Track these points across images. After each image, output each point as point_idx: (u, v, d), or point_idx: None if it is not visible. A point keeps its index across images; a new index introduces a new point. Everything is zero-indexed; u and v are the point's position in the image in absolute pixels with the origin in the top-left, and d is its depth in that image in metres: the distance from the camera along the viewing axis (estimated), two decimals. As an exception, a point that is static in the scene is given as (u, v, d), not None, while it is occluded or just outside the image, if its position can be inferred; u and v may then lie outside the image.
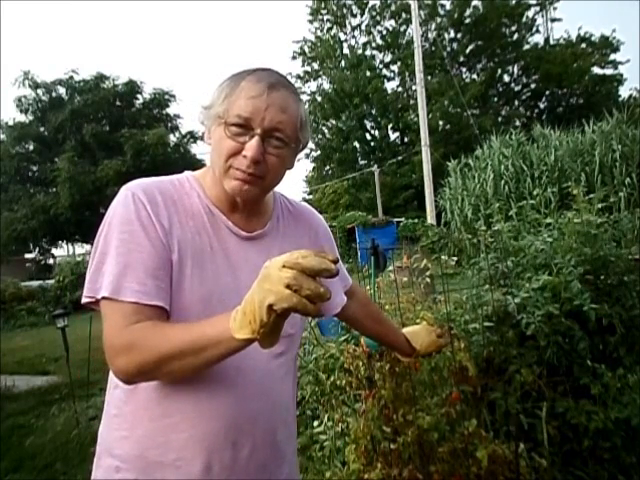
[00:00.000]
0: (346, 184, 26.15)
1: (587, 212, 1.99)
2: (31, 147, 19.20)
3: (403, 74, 29.48)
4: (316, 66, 31.08)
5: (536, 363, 1.68)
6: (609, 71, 27.21)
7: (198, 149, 21.01)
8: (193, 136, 20.64)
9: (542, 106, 29.23)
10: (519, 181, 11.34)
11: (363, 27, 30.21)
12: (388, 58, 30.34)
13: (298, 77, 30.58)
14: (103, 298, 0.82)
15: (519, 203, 3.22)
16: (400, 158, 25.17)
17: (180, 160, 18.36)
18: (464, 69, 29.62)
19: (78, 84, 18.93)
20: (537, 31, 28.08)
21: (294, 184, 32.16)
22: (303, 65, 31.29)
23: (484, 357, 1.71)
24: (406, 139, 28.96)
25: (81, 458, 3.15)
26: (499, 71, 28.58)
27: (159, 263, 0.84)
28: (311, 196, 29.15)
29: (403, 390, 1.56)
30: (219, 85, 0.91)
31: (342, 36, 30.79)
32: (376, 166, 23.92)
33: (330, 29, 30.66)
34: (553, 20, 27.97)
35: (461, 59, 29.11)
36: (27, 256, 22.59)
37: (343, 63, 30.07)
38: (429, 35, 27.93)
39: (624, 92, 27.85)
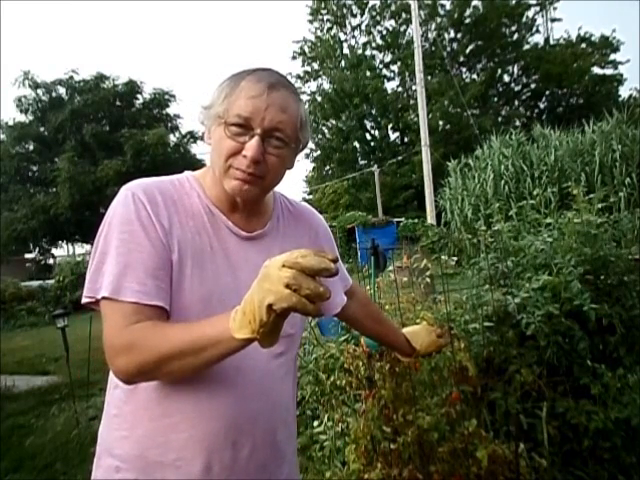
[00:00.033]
0: (346, 184, 26.16)
1: (587, 212, 1.99)
2: (31, 147, 19.21)
3: (403, 74, 29.48)
4: (316, 66, 31.10)
5: (536, 363, 1.68)
6: (609, 71, 27.26)
7: (198, 149, 21.05)
8: (193, 136, 20.65)
9: (542, 106, 29.24)
10: (519, 181, 11.34)
11: (363, 27, 30.26)
12: (388, 58, 30.37)
13: (298, 77, 30.60)
14: (103, 298, 0.82)
15: (519, 203, 3.22)
16: (400, 158, 25.17)
17: (180, 160, 18.36)
18: (464, 69, 29.64)
19: (78, 84, 18.94)
20: (537, 31, 28.14)
21: (294, 184, 32.21)
22: (303, 65, 31.35)
23: (484, 357, 1.71)
24: (406, 139, 28.97)
25: (81, 458, 3.15)
26: (499, 71, 28.58)
27: (159, 263, 0.84)
28: (311, 196, 29.16)
29: (403, 390, 1.56)
30: (219, 85, 0.91)
31: (342, 36, 30.86)
32: (376, 166, 23.92)
33: (330, 29, 30.70)
34: (553, 20, 28.02)
35: (461, 59, 29.11)
36: (27, 256, 22.59)
37: (343, 63, 30.07)
38: (429, 35, 27.93)
39: (624, 92, 27.91)
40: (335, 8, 29.80)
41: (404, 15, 27.59)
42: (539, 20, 28.18)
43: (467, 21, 27.55)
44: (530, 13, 27.34)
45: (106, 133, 18.66)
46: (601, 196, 2.28)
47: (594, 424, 1.55)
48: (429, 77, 25.48)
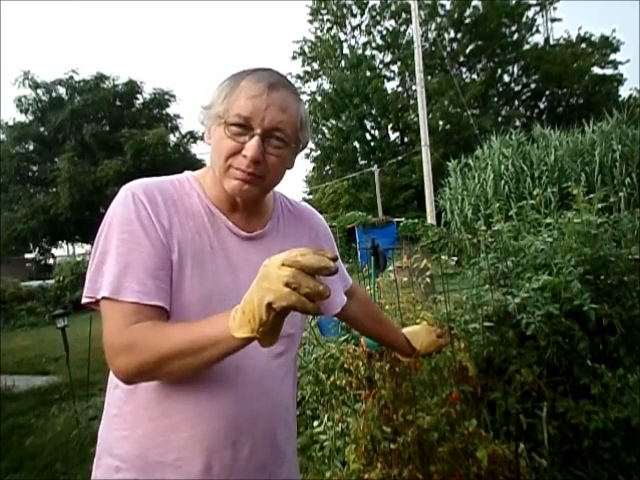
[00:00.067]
0: (346, 184, 26.16)
1: (587, 212, 1.99)
2: (31, 147, 19.20)
3: (403, 74, 29.49)
4: (316, 66, 31.11)
5: (536, 363, 1.68)
6: (609, 71, 27.26)
7: (198, 149, 21.05)
8: (193, 136, 20.65)
9: (542, 106, 29.24)
10: (519, 181, 11.33)
11: (363, 27, 30.26)
12: (388, 58, 30.38)
13: (298, 77, 30.61)
14: (103, 298, 0.82)
15: (519, 203, 3.22)
16: (400, 158, 25.17)
17: (180, 160, 18.36)
18: (464, 69, 29.64)
19: (78, 84, 18.93)
20: (537, 31, 28.14)
21: (294, 184, 32.19)
22: (303, 65, 31.36)
23: (484, 357, 1.71)
24: (406, 139, 28.97)
25: (81, 458, 3.15)
26: (499, 71, 28.58)
27: (159, 263, 0.84)
28: (311, 196, 29.16)
29: (403, 390, 1.56)
30: (219, 85, 0.91)
31: (342, 36, 30.86)
32: (376, 166, 23.92)
33: (330, 29, 30.70)
34: (553, 20, 28.01)
35: (461, 59, 29.11)
36: (27, 256, 22.59)
37: (343, 63, 30.07)
38: (429, 35, 27.93)
39: (624, 92, 27.91)
40: (335, 8, 29.80)
41: (404, 15, 27.60)
42: (539, 20, 28.23)
43: (467, 21, 27.56)
44: (530, 13, 27.40)
45: (106, 133, 18.66)
46: (601, 196, 2.28)
47: (594, 424, 1.55)
48: (429, 77, 25.49)
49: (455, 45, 28.98)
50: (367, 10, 29.50)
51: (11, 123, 18.77)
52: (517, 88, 29.24)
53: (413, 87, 27.35)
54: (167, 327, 0.80)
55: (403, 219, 17.03)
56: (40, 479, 3.08)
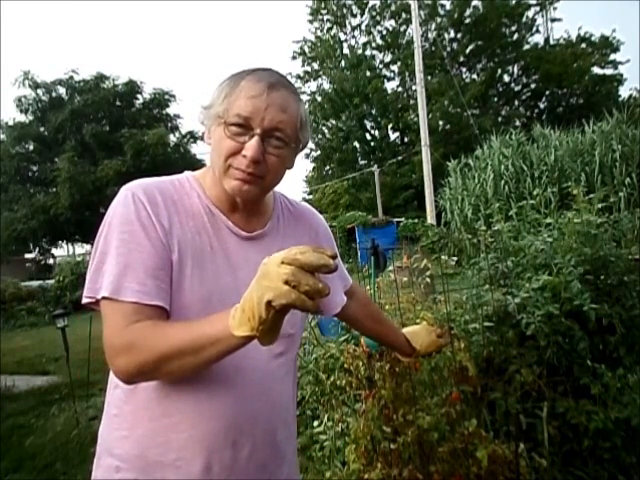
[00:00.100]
0: (346, 184, 26.15)
1: (587, 212, 1.99)
2: (31, 147, 19.20)
3: (403, 74, 29.48)
4: (316, 66, 31.10)
5: (536, 363, 1.68)
6: (609, 71, 27.24)
7: (198, 149, 21.05)
8: (193, 136, 20.65)
9: (542, 106, 29.24)
10: (519, 181, 11.34)
11: (363, 27, 30.25)
12: (388, 58, 30.37)
13: (298, 77, 30.61)
14: (103, 298, 0.82)
15: (519, 203, 3.22)
16: (400, 158, 25.16)
17: (180, 160, 18.37)
18: (464, 69, 29.63)
19: (78, 84, 18.94)
20: (537, 31, 28.12)
21: (294, 184, 32.19)
22: (303, 65, 31.36)
23: (484, 357, 1.71)
24: (406, 139, 28.97)
25: (81, 458, 3.15)
26: (499, 71, 28.57)
27: (159, 263, 0.84)
28: (311, 196, 29.15)
29: (403, 390, 1.56)
30: (219, 85, 0.91)
31: (342, 36, 30.85)
32: (376, 166, 23.92)
33: (330, 29, 30.70)
34: (553, 20, 28.01)
35: (461, 59, 29.11)
36: (27, 256, 22.60)
37: (343, 63, 30.07)
38: (429, 35, 27.93)
39: (624, 92, 27.89)
40: (335, 8, 29.80)
41: (404, 15, 27.59)
42: (539, 20, 28.22)
43: (467, 21, 27.55)
44: (530, 13, 27.39)
45: (106, 133, 18.66)
46: (601, 196, 2.28)
47: (594, 424, 1.55)
48: (429, 77, 25.48)
49: (455, 45, 28.98)
50: (367, 10, 29.51)
51: (11, 123, 18.78)
52: (517, 88, 29.24)
53: (413, 87, 27.36)
54: (167, 327, 0.80)
55: (403, 219, 17.03)
56: (40, 479, 3.08)
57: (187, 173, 0.99)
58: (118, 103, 19.57)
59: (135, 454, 0.87)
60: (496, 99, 29.27)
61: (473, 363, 1.57)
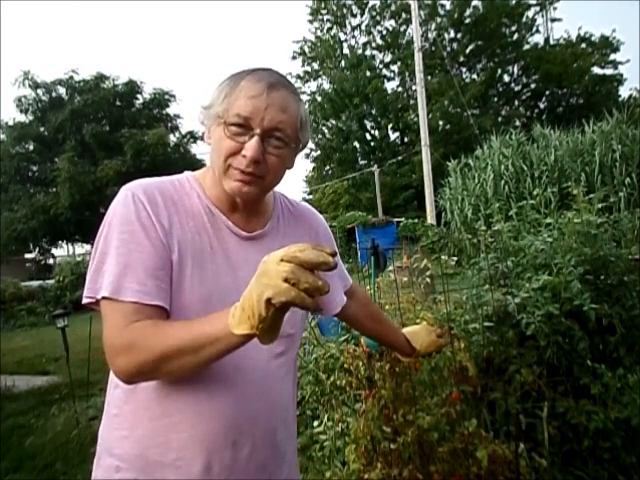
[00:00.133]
0: (346, 184, 26.15)
1: (587, 212, 1.99)
2: (31, 147, 19.20)
3: (403, 74, 29.49)
4: (316, 66, 31.11)
5: (536, 363, 1.68)
6: (609, 71, 27.25)
7: (198, 149, 21.05)
8: (193, 136, 20.65)
9: (542, 106, 29.24)
10: (519, 181, 11.34)
11: (363, 27, 30.26)
12: (388, 58, 30.38)
13: (298, 77, 30.62)
14: (103, 298, 0.82)
15: (519, 203, 3.22)
16: (400, 158, 25.16)
17: (180, 160, 18.36)
18: (464, 69, 29.63)
19: (78, 84, 18.94)
20: (537, 31, 28.12)
21: (294, 184, 32.19)
22: (303, 65, 31.36)
23: (484, 357, 1.71)
24: (406, 139, 28.97)
25: (81, 458, 3.15)
26: (499, 71, 28.57)
27: (159, 263, 0.84)
28: (311, 196, 29.13)
29: (403, 390, 1.56)
30: (219, 85, 0.91)
31: (342, 36, 30.87)
32: (376, 166, 23.91)
33: (330, 29, 30.70)
34: (553, 20, 28.00)
35: (461, 59, 29.10)
36: (27, 256, 22.59)
37: (343, 63, 30.07)
38: (429, 35, 27.92)
39: (624, 92, 27.89)
40: (335, 8, 29.80)
41: (404, 15, 27.59)
42: (539, 20, 28.21)
43: (467, 21, 27.54)
44: (530, 13, 27.38)
45: (106, 133, 18.66)
46: (601, 196, 2.28)
47: (594, 424, 1.55)
48: (429, 77, 25.47)
49: (455, 45, 28.98)
50: (367, 10, 29.51)
51: (11, 123, 18.77)
52: (517, 88, 29.24)
53: (413, 87, 27.36)
54: (167, 326, 0.80)
55: (403, 219, 17.03)
56: (40, 479, 3.08)
57: (187, 173, 0.99)
58: (118, 103, 19.56)
59: (135, 454, 0.87)
60: (496, 99, 29.27)
61: (473, 363, 1.57)
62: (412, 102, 27.38)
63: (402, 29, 29.17)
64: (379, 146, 29.53)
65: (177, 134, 20.69)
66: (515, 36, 27.95)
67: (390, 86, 30.46)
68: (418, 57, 15.50)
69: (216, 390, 0.87)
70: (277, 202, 1.05)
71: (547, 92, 28.41)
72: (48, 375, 5.90)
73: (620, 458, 1.59)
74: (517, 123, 24.56)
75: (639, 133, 10.22)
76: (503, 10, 26.43)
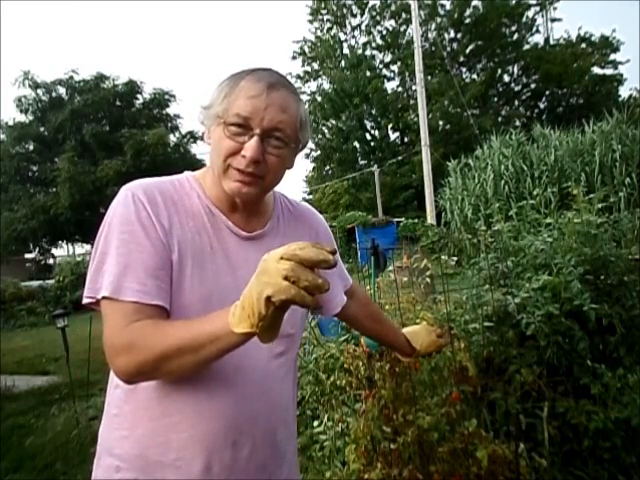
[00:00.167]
0: (346, 184, 26.15)
1: (587, 212, 1.99)
2: (31, 147, 19.19)
3: (403, 74, 29.49)
4: (316, 66, 31.11)
5: (536, 363, 1.68)
6: (609, 71, 27.25)
7: (198, 149, 21.04)
8: (193, 136, 20.64)
9: (542, 106, 29.24)
10: (519, 181, 11.34)
11: (363, 27, 30.26)
12: (388, 58, 30.38)
13: (298, 77, 30.62)
14: (103, 298, 0.82)
15: (519, 203, 3.22)
16: (400, 158, 25.16)
17: (180, 160, 18.36)
18: (464, 69, 29.63)
19: (78, 84, 18.93)
20: (537, 31, 28.13)
21: (294, 184, 32.19)
22: (303, 65, 31.36)
23: (484, 357, 1.71)
24: (406, 139, 28.97)
25: (81, 458, 3.15)
26: (499, 71, 28.57)
27: (159, 263, 0.84)
28: (311, 196, 29.14)
29: (403, 390, 1.56)
30: (219, 85, 0.91)
31: (342, 36, 30.87)
32: (376, 166, 23.91)
33: (330, 29, 30.70)
34: (553, 20, 28.01)
35: (461, 59, 29.11)
36: (27, 256, 22.59)
37: (343, 63, 30.07)
38: (429, 35, 27.94)
39: (624, 92, 27.90)
40: (335, 8, 29.80)
41: (404, 15, 27.59)
42: (539, 20, 28.22)
43: (467, 21, 27.55)
44: (530, 13, 27.39)
45: (106, 133, 18.65)
46: (601, 196, 2.28)
47: (594, 424, 1.55)
48: (429, 77, 25.47)
49: (455, 45, 28.98)
50: (367, 10, 29.51)
51: (11, 123, 18.77)
52: (517, 88, 29.24)
53: (413, 87, 27.36)
54: (167, 326, 0.80)
55: (403, 219, 17.03)
56: (40, 479, 3.08)
57: (187, 173, 0.99)
58: (118, 103, 19.56)
59: (135, 454, 0.87)
60: (496, 99, 29.27)
61: (473, 363, 1.57)
62: (412, 102, 27.38)
63: (402, 29, 29.20)
64: (379, 146, 29.53)
65: (177, 134, 20.70)
66: (515, 36, 27.96)
67: (390, 86, 30.53)
68: (418, 57, 15.50)
69: (216, 390, 0.87)
70: (277, 202, 1.05)
71: (547, 92, 28.42)
72: (48, 375, 5.90)
73: (620, 458, 1.59)
74: (517, 123, 24.57)
75: (639, 133, 10.22)
76: (503, 10, 26.43)
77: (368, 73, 28.49)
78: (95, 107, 18.55)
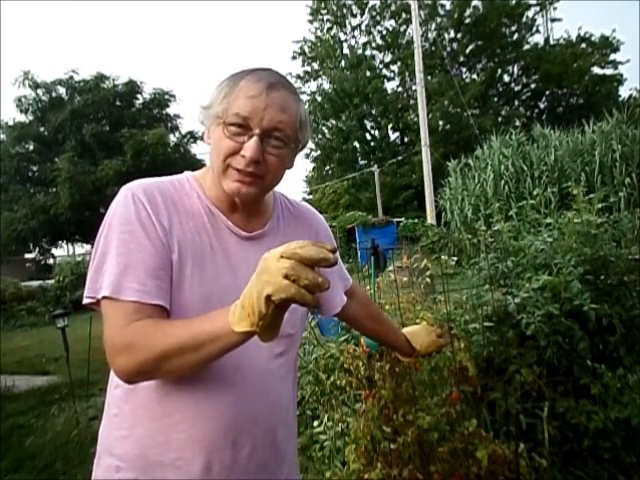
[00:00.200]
0: (346, 184, 26.15)
1: (587, 212, 1.99)
2: (31, 147, 19.18)
3: (403, 74, 29.49)
4: (316, 66, 31.11)
5: (536, 363, 1.68)
6: (609, 71, 27.25)
7: (198, 149, 21.02)
8: (193, 136, 20.63)
9: (542, 106, 29.24)
10: (519, 181, 11.34)
11: (363, 27, 30.26)
12: (388, 58, 30.38)
13: (298, 77, 30.62)
14: (104, 298, 0.82)
15: (519, 203, 3.22)
16: (400, 158, 25.17)
17: (180, 160, 18.35)
18: (464, 69, 29.63)
19: (78, 84, 18.92)
20: (537, 31, 28.13)
21: (294, 184, 32.19)
22: (303, 65, 31.36)
23: (484, 357, 1.71)
24: (406, 139, 28.98)
25: (81, 458, 3.15)
26: (499, 71, 28.57)
27: (159, 263, 0.84)
28: (311, 196, 29.13)
29: (403, 390, 1.56)
30: (218, 85, 0.91)
31: (342, 36, 30.87)
32: (376, 166, 23.91)
33: (330, 29, 30.70)
34: (553, 20, 28.01)
35: (461, 59, 29.10)
36: (27, 256, 22.58)
37: (343, 63, 30.07)
38: (429, 35, 27.93)
39: (624, 92, 27.90)
40: (335, 8, 29.79)
41: (404, 15, 27.60)
42: (539, 20, 28.22)
43: (467, 21, 27.54)
44: (530, 13, 27.39)
45: (106, 133, 18.64)
46: (601, 196, 2.28)
47: (594, 424, 1.55)
48: (429, 77, 25.47)
49: (455, 45, 28.98)
50: (367, 10, 29.51)
51: (11, 123, 18.74)
52: (517, 88, 29.24)
53: (413, 87, 27.36)
54: (167, 325, 0.80)
55: (403, 219, 17.03)
56: (40, 479, 3.07)
57: (187, 173, 0.99)
58: (118, 103, 19.54)
59: (135, 454, 0.87)
60: (496, 99, 29.27)
61: (473, 363, 1.57)
62: (412, 102, 27.38)
63: (402, 29, 29.19)
64: (379, 146, 29.53)
65: (177, 134, 20.67)
66: (515, 36, 27.96)
67: (390, 86, 30.53)
68: (418, 57, 15.50)
69: (216, 390, 0.87)
70: (277, 202, 1.05)
71: (547, 92, 28.42)
72: (48, 375, 5.90)
73: (620, 458, 1.59)
74: (517, 123, 24.56)
75: (639, 133, 10.22)
76: (503, 10, 26.43)
77: (368, 73, 28.49)
78: (95, 107, 18.54)
